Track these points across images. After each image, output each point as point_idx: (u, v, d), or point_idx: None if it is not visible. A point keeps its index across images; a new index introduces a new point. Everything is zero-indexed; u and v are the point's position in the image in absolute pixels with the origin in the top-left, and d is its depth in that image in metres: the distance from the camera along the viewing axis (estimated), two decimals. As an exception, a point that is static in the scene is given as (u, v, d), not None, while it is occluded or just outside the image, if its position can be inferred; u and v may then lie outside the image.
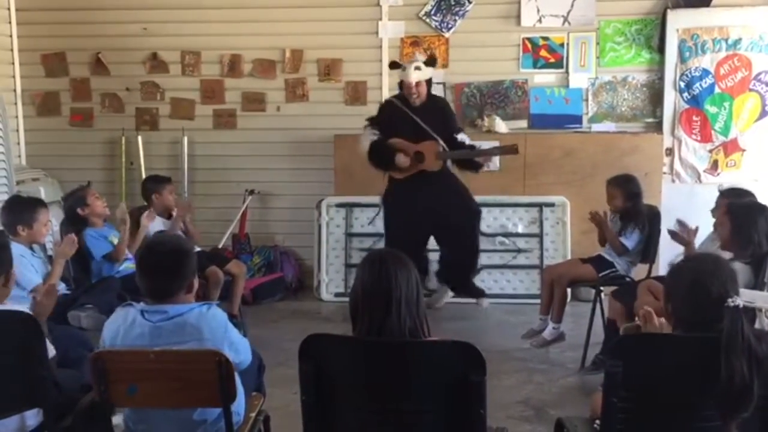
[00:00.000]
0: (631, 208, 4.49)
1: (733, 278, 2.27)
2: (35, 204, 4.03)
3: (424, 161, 4.97)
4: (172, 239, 2.75)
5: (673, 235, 4.08)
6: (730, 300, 2.13)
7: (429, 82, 5.03)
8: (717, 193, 4.26)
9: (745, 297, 2.28)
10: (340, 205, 6.01)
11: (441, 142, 4.95)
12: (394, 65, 5.17)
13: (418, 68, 4.93)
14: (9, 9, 6.28)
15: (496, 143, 5.50)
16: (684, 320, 2.26)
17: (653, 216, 4.57)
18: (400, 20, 6.16)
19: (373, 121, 5.12)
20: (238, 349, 2.48)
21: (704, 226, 4.17)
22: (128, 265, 4.35)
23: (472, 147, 5.03)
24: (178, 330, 2.38)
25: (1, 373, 2.49)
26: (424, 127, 4.92)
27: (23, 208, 3.95)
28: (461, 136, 5.06)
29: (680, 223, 4.08)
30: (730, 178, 5.83)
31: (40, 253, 4.06)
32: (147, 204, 4.91)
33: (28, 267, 3.75)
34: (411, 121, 4.94)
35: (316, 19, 6.18)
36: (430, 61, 5.04)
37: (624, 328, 3.56)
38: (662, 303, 2.37)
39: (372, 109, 6.17)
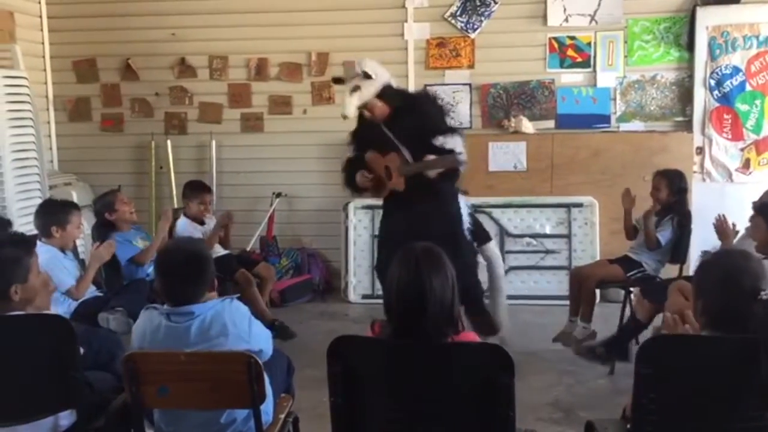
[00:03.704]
0: (675, 203, 4.46)
1: (764, 272, 2.24)
2: (68, 206, 4.11)
3: (391, 178, 4.07)
4: (189, 245, 2.73)
5: (718, 220, 4.03)
6: (763, 293, 2.11)
7: (384, 91, 4.06)
8: (751, 192, 4.20)
9: None
10: (366, 207, 6.02)
11: (406, 154, 3.99)
12: (337, 81, 4.34)
13: (356, 89, 4.04)
14: (41, 17, 6.40)
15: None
16: (714, 317, 2.23)
17: (685, 215, 4.53)
18: (425, 22, 6.16)
19: (352, 137, 4.29)
20: (263, 339, 2.52)
21: (737, 224, 4.11)
22: (158, 268, 4.40)
23: (450, 151, 4.02)
24: (205, 329, 2.41)
25: (36, 375, 2.54)
26: (389, 136, 4.02)
27: (57, 210, 4.02)
28: (441, 140, 4.00)
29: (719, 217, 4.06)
30: (763, 176, 5.74)
31: (71, 255, 4.12)
32: (181, 207, 5.05)
33: (60, 269, 3.81)
34: (379, 130, 4.05)
35: (341, 21, 6.20)
36: (366, 74, 4.03)
37: (655, 329, 3.53)
38: (692, 301, 2.35)
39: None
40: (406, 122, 4.01)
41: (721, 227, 4.00)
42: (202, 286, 2.50)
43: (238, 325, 2.44)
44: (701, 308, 2.28)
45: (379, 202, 5.54)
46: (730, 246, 3.89)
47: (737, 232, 4.04)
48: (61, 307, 3.74)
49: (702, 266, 2.40)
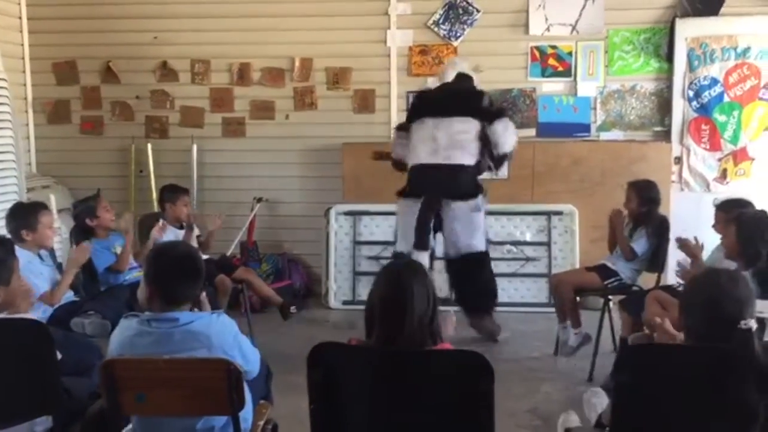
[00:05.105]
0: (644, 213, 4.50)
1: (750, 296, 2.24)
2: (37, 207, 4.03)
3: None
4: (183, 245, 2.74)
5: (681, 243, 4.07)
6: (743, 322, 2.12)
7: None
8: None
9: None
10: (348, 213, 6.02)
11: None
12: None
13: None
14: (21, 18, 6.34)
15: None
16: (696, 333, 2.25)
17: (662, 225, 4.57)
18: (408, 29, 6.18)
19: None
20: (247, 357, 2.48)
21: (713, 235, 4.15)
22: (136, 274, 4.35)
23: None
24: (188, 338, 2.38)
25: (11, 381, 2.51)
26: None
27: (26, 212, 3.95)
28: None
29: (681, 240, 4.08)
30: (740, 186, 5.81)
31: (49, 260, 4.07)
32: (160, 211, 4.98)
33: (36, 274, 3.76)
34: None
35: (325, 27, 6.20)
36: None
37: (632, 338, 3.56)
38: (677, 313, 2.36)
39: (380, 117, 6.23)
40: None
41: (687, 250, 4.03)
42: (196, 286, 2.49)
43: (223, 342, 2.41)
44: (684, 323, 2.31)
45: (362, 207, 5.74)
46: (700, 262, 3.92)
47: (702, 245, 4.06)
48: (37, 312, 3.69)
49: (691, 282, 2.42)
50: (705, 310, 2.22)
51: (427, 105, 4.86)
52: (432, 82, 5.12)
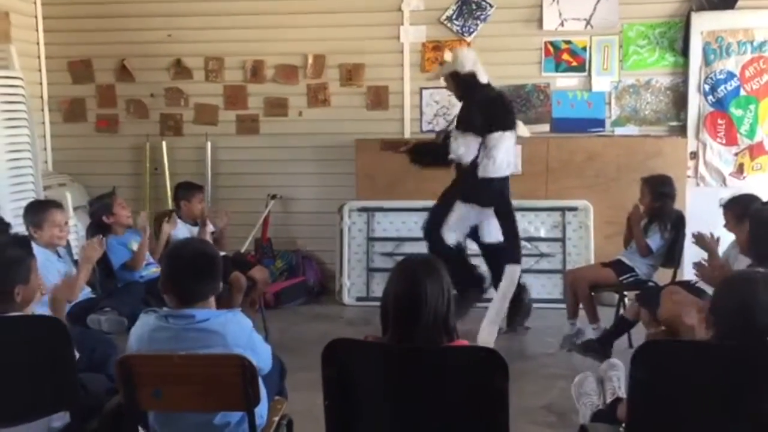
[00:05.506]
0: (658, 208, 4.47)
1: None
2: (45, 205, 4.05)
3: None
4: (199, 243, 2.76)
5: (697, 237, 4.04)
6: None
7: (454, 77, 4.76)
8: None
9: None
10: (362, 210, 6.03)
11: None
12: None
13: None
14: (36, 17, 6.38)
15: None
16: (721, 334, 2.23)
17: (678, 220, 4.54)
18: (421, 25, 6.17)
19: None
20: (260, 355, 2.49)
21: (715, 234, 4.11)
22: (153, 270, 4.39)
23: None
24: (203, 335, 2.40)
25: (30, 377, 2.54)
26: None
27: (34, 210, 3.98)
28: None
29: (697, 235, 4.05)
30: (756, 181, 5.77)
31: (66, 257, 4.10)
32: (174, 208, 5.00)
33: (53, 271, 3.78)
34: None
35: (338, 24, 6.20)
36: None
37: (649, 334, 3.55)
38: (705, 310, 2.33)
39: (393, 114, 6.24)
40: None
41: (703, 244, 4.00)
42: (212, 283, 2.50)
43: (238, 341, 2.42)
44: (713, 322, 2.28)
45: (376, 203, 5.74)
46: (717, 257, 3.89)
47: (718, 239, 4.03)
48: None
49: (726, 282, 2.39)
50: (735, 317, 2.19)
51: (501, 116, 4.72)
52: (446, 68, 4.92)
